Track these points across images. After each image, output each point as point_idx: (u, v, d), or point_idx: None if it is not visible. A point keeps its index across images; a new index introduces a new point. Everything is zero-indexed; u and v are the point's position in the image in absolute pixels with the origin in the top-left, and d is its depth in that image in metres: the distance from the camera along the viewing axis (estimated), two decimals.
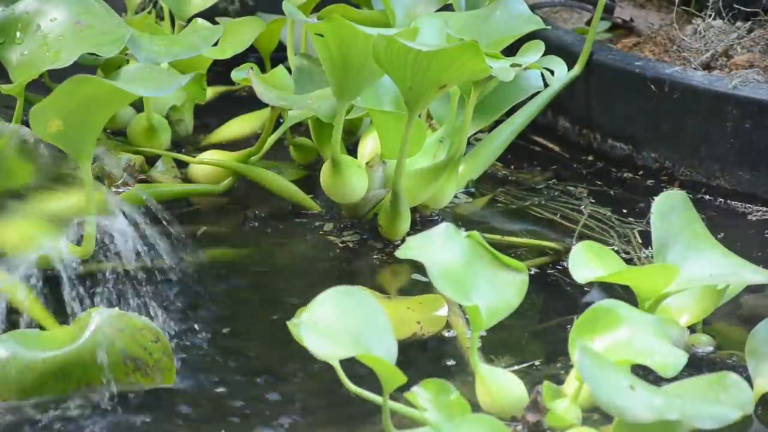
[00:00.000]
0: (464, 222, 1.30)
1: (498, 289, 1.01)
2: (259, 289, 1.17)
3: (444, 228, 1.00)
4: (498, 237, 1.25)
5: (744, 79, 1.40)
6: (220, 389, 0.99)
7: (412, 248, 0.97)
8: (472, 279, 1.00)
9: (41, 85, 1.34)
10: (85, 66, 1.40)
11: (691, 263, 1.06)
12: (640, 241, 1.27)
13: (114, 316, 0.94)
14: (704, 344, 1.12)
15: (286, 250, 1.25)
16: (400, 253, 0.97)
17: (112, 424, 0.93)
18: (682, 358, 0.95)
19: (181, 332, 1.05)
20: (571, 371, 0.99)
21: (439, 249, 0.99)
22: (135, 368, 0.94)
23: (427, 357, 1.08)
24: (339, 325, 0.87)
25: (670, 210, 1.09)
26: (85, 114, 1.03)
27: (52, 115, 1.02)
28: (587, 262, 1.03)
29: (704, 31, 1.52)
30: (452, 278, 0.98)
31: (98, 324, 0.92)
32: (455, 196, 1.33)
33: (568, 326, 1.03)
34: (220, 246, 1.24)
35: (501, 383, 0.99)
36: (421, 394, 0.92)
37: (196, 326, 1.06)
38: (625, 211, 1.34)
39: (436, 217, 1.30)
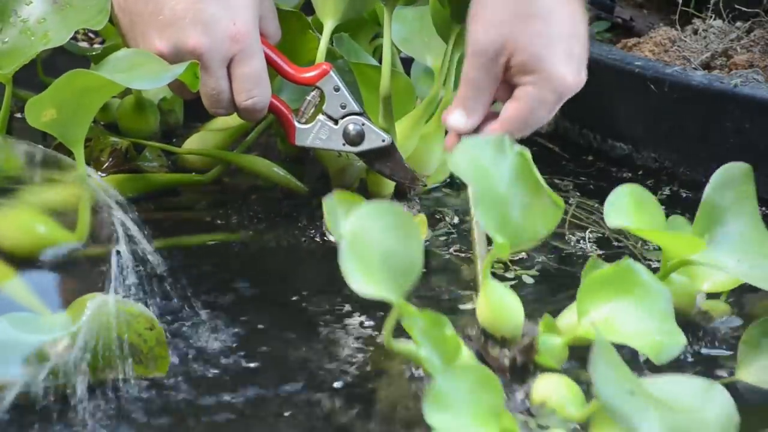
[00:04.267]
0: (454, 211, 1.30)
1: (529, 218, 1.00)
2: (251, 270, 1.18)
3: (498, 140, 1.00)
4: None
5: (744, 78, 1.40)
6: (213, 372, 1.00)
7: (461, 164, 0.97)
8: (508, 205, 0.99)
9: (34, 79, 1.34)
10: (76, 56, 1.41)
11: (726, 240, 1.06)
12: None
13: (109, 303, 0.93)
14: (720, 313, 1.11)
15: (277, 233, 1.25)
16: (450, 167, 0.97)
17: (107, 409, 0.93)
18: (676, 345, 0.95)
19: (172, 317, 1.05)
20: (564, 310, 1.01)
21: (487, 167, 0.99)
22: (129, 355, 0.94)
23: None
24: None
25: (729, 182, 1.09)
26: (78, 102, 1.03)
27: (47, 105, 1.02)
28: (623, 209, 1.03)
29: (704, 31, 1.52)
30: (491, 206, 0.98)
31: (93, 310, 0.92)
32: (441, 189, 1.33)
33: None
34: (210, 232, 1.24)
35: (503, 301, 1.00)
36: (418, 324, 0.92)
37: (186, 310, 1.06)
38: None
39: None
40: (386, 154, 1.18)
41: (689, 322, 1.11)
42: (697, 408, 0.88)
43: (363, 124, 1.17)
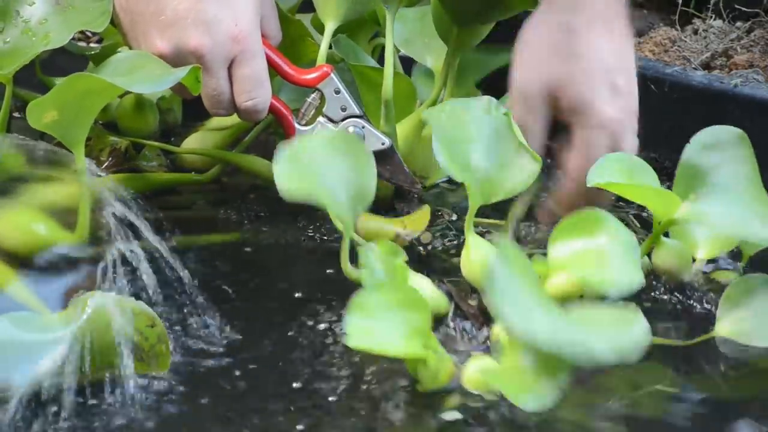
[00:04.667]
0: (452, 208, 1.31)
1: (507, 172, 1.02)
2: (251, 269, 1.18)
3: (485, 101, 1.04)
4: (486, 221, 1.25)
5: (744, 78, 1.40)
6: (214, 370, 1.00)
7: (435, 115, 1.02)
8: (484, 157, 1.02)
9: (32, 79, 1.34)
10: (76, 55, 1.41)
11: (713, 199, 1.08)
12: (637, 224, 1.28)
13: (110, 300, 0.93)
14: (727, 280, 1.12)
15: (276, 232, 1.25)
16: (428, 117, 1.01)
17: (108, 407, 0.93)
18: (630, 283, 0.97)
19: (172, 315, 1.05)
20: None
21: (468, 121, 1.05)
22: (130, 353, 0.94)
23: None
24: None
25: (714, 145, 1.10)
26: (79, 105, 1.04)
27: (49, 107, 1.02)
28: (607, 170, 1.06)
29: (704, 31, 1.52)
30: (459, 151, 1.01)
31: (94, 308, 0.92)
32: (440, 185, 1.34)
33: None
34: (209, 232, 1.24)
35: (483, 254, 1.03)
36: (373, 249, 0.96)
37: (186, 308, 1.06)
38: (621, 202, 1.35)
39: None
40: (386, 157, 1.18)
41: (686, 283, 1.14)
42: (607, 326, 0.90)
43: (363, 127, 1.17)
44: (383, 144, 1.18)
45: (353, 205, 0.96)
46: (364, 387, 0.98)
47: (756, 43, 1.49)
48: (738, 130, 1.11)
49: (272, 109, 1.18)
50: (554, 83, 1.09)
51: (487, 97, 1.07)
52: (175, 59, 1.09)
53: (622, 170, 1.07)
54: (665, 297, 1.13)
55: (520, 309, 0.86)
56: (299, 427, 0.93)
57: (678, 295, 1.12)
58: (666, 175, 1.43)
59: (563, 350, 0.86)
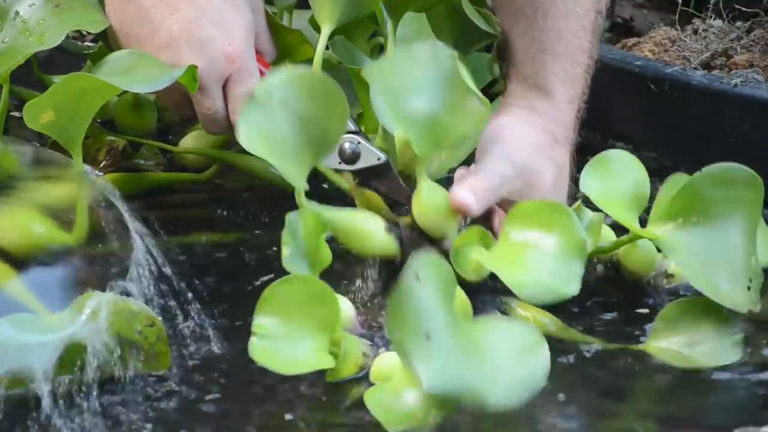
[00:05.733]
0: None
1: (456, 117, 1.01)
2: (247, 268, 1.18)
3: (429, 46, 1.02)
4: None
5: (744, 78, 1.39)
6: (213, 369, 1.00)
7: (377, 71, 1.01)
8: (429, 100, 1.01)
9: (30, 77, 1.34)
10: (73, 53, 1.41)
11: (696, 235, 1.06)
12: None
13: (109, 301, 0.93)
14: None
15: (273, 231, 1.24)
16: (368, 71, 1.00)
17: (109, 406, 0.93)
18: (558, 294, 0.96)
19: (171, 314, 1.05)
20: None
21: (411, 68, 1.02)
22: (130, 352, 0.94)
23: None
24: None
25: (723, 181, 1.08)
26: (76, 105, 1.04)
27: (46, 107, 1.02)
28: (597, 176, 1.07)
29: (704, 31, 1.52)
30: (398, 98, 1.00)
31: (93, 308, 0.92)
32: None
33: None
34: (206, 231, 1.24)
35: (433, 200, 1.04)
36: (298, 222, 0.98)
37: (184, 307, 1.06)
38: None
39: None
40: (382, 172, 1.18)
41: (647, 284, 1.15)
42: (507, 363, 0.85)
43: (359, 143, 1.16)
44: (379, 159, 1.17)
45: (312, 152, 0.94)
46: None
47: (756, 43, 1.48)
48: (751, 172, 1.07)
49: None
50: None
51: (431, 41, 1.05)
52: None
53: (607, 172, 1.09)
54: (619, 295, 1.14)
55: (418, 344, 0.82)
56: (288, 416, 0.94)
57: (633, 295, 1.13)
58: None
59: (452, 395, 0.83)
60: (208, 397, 0.96)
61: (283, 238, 0.96)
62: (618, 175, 1.11)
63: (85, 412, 0.91)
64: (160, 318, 0.97)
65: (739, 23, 1.53)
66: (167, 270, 1.05)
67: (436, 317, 0.84)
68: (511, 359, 0.85)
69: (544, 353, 0.85)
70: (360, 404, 0.90)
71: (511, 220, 1.01)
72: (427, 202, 1.05)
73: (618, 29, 1.62)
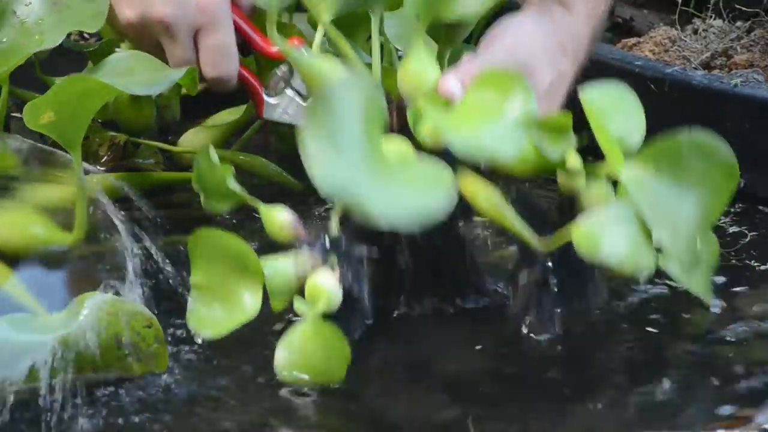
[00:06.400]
0: None
1: None
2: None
3: None
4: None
5: (744, 78, 1.39)
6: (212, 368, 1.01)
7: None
8: None
9: (32, 78, 1.34)
10: (74, 51, 1.41)
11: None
12: None
13: (107, 301, 0.93)
14: None
15: None
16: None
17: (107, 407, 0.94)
18: (499, 153, 0.95)
19: (169, 315, 1.05)
20: None
21: None
22: (128, 354, 0.94)
23: None
24: None
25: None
26: (76, 105, 1.04)
27: (46, 108, 1.03)
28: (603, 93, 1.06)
29: (704, 31, 1.51)
30: None
31: (91, 309, 0.92)
32: None
33: None
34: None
35: (420, 66, 1.03)
36: None
37: (182, 307, 1.05)
38: None
39: None
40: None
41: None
42: None
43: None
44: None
45: None
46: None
47: (756, 43, 1.48)
48: (734, 164, 1.08)
49: (242, 80, 1.18)
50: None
51: None
52: (141, 28, 1.11)
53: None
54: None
55: (335, 154, 0.82)
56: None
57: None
58: None
59: (341, 197, 0.83)
60: (207, 397, 0.97)
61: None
62: (622, 109, 1.10)
63: (82, 412, 0.91)
64: (157, 318, 0.97)
65: (739, 23, 1.53)
66: (166, 270, 1.05)
67: (352, 132, 0.85)
68: (415, 188, 0.87)
69: (448, 186, 0.86)
70: (359, 399, 0.90)
71: (473, 85, 1.00)
72: (412, 68, 1.04)
73: (618, 29, 1.62)
